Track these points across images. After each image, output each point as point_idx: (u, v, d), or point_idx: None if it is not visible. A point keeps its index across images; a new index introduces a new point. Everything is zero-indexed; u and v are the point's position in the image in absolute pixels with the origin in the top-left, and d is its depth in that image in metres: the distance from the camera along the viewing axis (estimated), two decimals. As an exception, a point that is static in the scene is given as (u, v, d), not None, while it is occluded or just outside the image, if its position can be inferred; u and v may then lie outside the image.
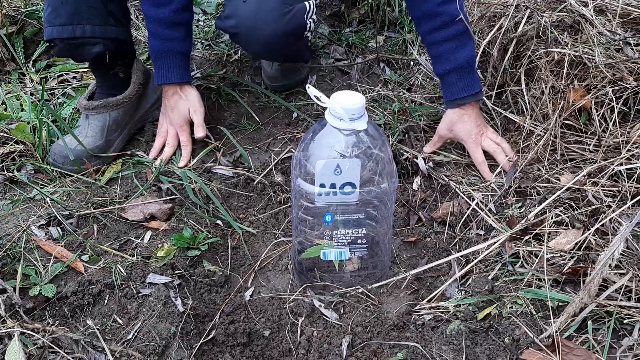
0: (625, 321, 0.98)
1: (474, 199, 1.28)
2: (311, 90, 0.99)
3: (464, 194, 1.31)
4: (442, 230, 1.27)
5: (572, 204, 1.21)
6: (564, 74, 1.33)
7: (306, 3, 1.46)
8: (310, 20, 1.48)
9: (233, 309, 1.12)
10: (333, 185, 1.02)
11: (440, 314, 1.08)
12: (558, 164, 1.31)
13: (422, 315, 1.09)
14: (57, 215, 1.28)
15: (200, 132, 1.48)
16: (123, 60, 1.53)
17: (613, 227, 1.13)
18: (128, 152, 1.51)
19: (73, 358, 0.98)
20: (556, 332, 0.97)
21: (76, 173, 1.41)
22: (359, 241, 1.11)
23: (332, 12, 2.04)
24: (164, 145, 1.49)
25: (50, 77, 1.82)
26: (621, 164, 1.20)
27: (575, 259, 1.09)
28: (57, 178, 1.40)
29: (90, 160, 1.43)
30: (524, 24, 1.44)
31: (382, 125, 1.53)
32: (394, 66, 1.83)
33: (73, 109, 1.64)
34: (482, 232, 1.24)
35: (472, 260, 1.15)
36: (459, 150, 1.45)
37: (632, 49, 1.30)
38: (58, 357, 0.98)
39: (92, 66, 1.52)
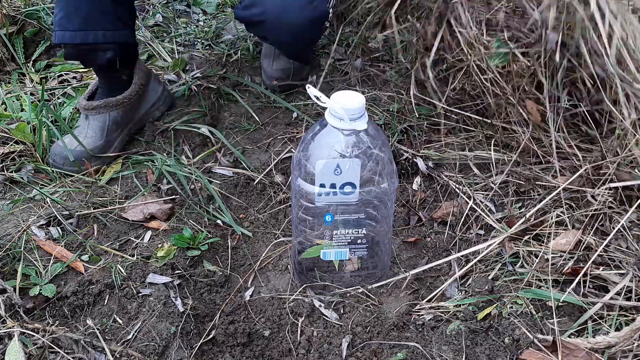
0: (625, 321, 0.98)
1: (474, 199, 1.28)
2: (311, 90, 0.99)
3: (464, 194, 1.31)
4: (442, 230, 1.27)
5: (572, 204, 1.21)
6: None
7: None
8: (332, 9, 1.50)
9: (233, 309, 1.12)
10: (333, 185, 1.02)
11: (440, 314, 1.08)
12: (555, 165, 1.31)
13: (422, 315, 1.09)
14: (57, 215, 1.28)
15: None
16: (128, 62, 1.53)
17: (613, 228, 1.13)
18: (128, 152, 1.51)
19: (73, 358, 0.98)
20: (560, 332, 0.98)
21: (76, 173, 1.41)
22: (359, 241, 1.11)
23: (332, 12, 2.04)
24: None
25: (50, 77, 1.82)
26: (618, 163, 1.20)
27: (575, 259, 1.09)
28: (57, 178, 1.40)
29: (90, 160, 1.43)
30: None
31: (382, 126, 1.53)
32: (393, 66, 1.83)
33: (73, 109, 1.64)
34: (482, 232, 1.24)
35: (472, 260, 1.15)
36: (460, 150, 1.45)
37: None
38: (58, 357, 0.98)
39: (98, 69, 1.52)
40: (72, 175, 1.41)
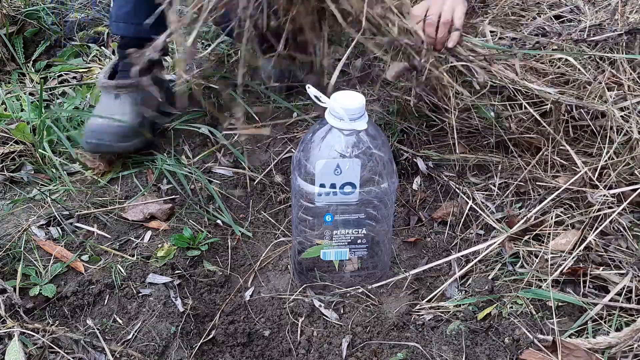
0: (625, 322, 0.98)
1: (474, 199, 1.28)
2: (311, 90, 0.99)
3: (464, 194, 1.31)
4: (442, 231, 1.27)
5: (572, 204, 1.21)
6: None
7: None
8: None
9: (233, 309, 1.12)
10: (333, 185, 1.02)
11: (440, 314, 1.08)
12: (556, 166, 1.31)
13: (422, 315, 1.09)
14: (57, 215, 1.28)
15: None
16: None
17: (613, 228, 1.13)
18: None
19: (73, 358, 0.98)
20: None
21: (110, 154, 1.40)
22: (359, 241, 1.11)
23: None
24: None
25: (50, 77, 1.82)
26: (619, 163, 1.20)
27: (575, 259, 1.09)
28: (57, 178, 1.40)
29: (127, 139, 1.40)
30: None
31: (382, 126, 1.53)
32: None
33: (73, 108, 1.64)
34: (482, 232, 1.24)
35: (472, 260, 1.15)
36: (461, 153, 1.44)
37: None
38: (58, 357, 0.98)
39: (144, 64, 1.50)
40: (72, 174, 1.41)
